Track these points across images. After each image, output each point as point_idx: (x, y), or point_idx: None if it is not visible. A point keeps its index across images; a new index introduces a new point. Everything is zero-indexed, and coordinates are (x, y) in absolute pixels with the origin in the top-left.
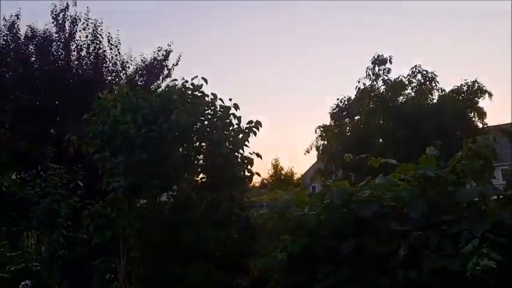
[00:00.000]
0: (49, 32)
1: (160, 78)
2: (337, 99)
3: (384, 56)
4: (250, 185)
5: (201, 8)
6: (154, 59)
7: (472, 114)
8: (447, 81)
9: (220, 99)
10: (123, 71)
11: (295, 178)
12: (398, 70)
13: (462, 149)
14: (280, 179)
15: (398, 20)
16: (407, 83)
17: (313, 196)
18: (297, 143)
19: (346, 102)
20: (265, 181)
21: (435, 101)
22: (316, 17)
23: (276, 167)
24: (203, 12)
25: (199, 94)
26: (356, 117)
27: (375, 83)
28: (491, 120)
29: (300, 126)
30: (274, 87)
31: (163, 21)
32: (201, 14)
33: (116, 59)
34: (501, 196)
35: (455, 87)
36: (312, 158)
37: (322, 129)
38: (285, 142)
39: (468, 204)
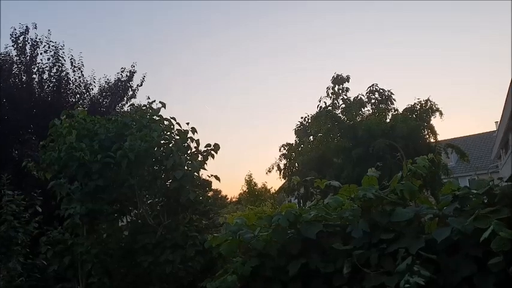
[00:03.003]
0: (9, 55)
1: (125, 99)
2: (301, 117)
3: (343, 75)
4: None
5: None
6: (118, 79)
7: (426, 132)
8: (403, 100)
9: (178, 123)
10: (87, 93)
11: (271, 192)
12: (358, 88)
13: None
14: (254, 194)
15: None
16: (366, 100)
17: (262, 219)
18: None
19: (309, 121)
20: (240, 197)
21: (388, 120)
22: (290, 28)
23: (249, 182)
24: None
25: (157, 118)
26: (316, 136)
27: (336, 101)
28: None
29: (276, 139)
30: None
31: (127, 42)
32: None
33: (80, 81)
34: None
35: (409, 105)
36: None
37: (286, 147)
38: (260, 156)
39: (407, 223)
